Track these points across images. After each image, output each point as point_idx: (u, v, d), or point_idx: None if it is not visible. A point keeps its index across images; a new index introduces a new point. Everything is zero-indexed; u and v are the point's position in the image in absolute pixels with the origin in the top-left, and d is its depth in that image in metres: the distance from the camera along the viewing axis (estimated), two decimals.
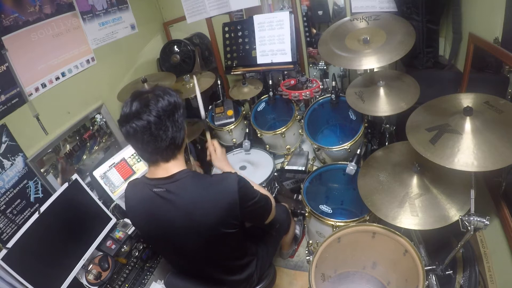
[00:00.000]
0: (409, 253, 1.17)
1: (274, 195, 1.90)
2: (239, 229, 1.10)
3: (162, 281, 1.52)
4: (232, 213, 1.03)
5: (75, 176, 1.50)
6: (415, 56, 1.72)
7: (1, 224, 1.36)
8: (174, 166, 1.04)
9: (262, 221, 1.23)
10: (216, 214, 1.01)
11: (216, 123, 2.08)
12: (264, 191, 1.23)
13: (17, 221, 1.43)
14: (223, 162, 1.36)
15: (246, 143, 1.99)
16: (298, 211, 1.91)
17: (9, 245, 1.21)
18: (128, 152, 1.84)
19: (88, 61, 1.88)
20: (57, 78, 1.70)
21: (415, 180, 1.25)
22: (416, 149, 1.10)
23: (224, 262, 1.23)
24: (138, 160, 1.85)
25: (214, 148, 1.37)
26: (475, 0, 1.45)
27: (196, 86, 1.39)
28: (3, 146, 1.41)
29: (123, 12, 2.12)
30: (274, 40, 1.99)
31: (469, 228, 1.06)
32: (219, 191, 1.02)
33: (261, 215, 1.20)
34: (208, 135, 1.42)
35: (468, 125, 1.05)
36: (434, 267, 1.22)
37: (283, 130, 1.88)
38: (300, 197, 1.70)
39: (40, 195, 1.55)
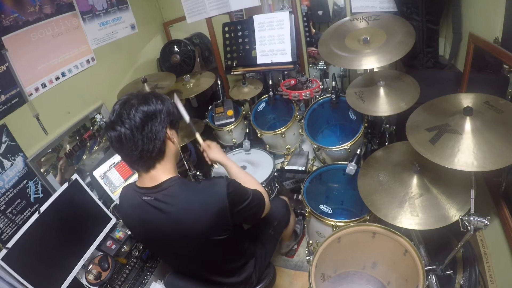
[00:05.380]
0: (409, 253, 1.17)
1: (274, 195, 1.90)
2: (231, 233, 1.09)
3: (162, 281, 1.52)
4: (222, 219, 1.02)
5: (75, 176, 1.51)
6: (415, 56, 1.72)
7: (1, 224, 1.36)
8: (160, 174, 1.02)
9: (256, 219, 1.22)
10: (205, 221, 1.00)
11: (216, 123, 2.08)
12: (255, 184, 1.22)
13: (17, 221, 1.43)
14: (219, 153, 1.34)
15: (246, 143, 1.99)
16: (298, 211, 1.91)
17: (9, 245, 1.21)
18: None
19: (88, 61, 1.88)
20: (57, 78, 1.70)
21: (415, 180, 1.25)
22: (416, 149, 1.10)
23: (220, 266, 1.22)
24: None
25: (207, 144, 1.36)
26: (475, 0, 1.45)
27: (178, 101, 1.34)
28: (3, 146, 1.41)
29: (123, 12, 2.12)
30: (274, 40, 1.99)
31: (469, 228, 1.06)
32: (207, 198, 1.01)
33: (255, 214, 1.18)
34: (198, 136, 1.39)
35: (468, 125, 1.05)
36: (434, 267, 1.21)
37: (283, 130, 1.88)
38: (300, 197, 1.69)
39: (40, 195, 1.55)
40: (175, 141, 1.06)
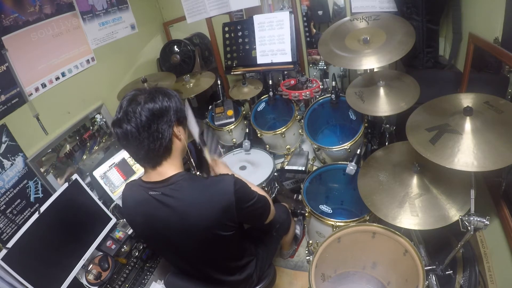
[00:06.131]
0: (409, 253, 1.17)
1: (274, 195, 1.90)
2: (236, 231, 1.09)
3: (162, 281, 1.52)
4: (228, 215, 1.02)
5: (75, 176, 1.51)
6: (415, 56, 1.72)
7: (1, 224, 1.36)
8: (167, 170, 1.03)
9: (260, 222, 1.22)
10: (211, 216, 1.01)
11: (216, 123, 2.08)
12: (262, 192, 1.22)
13: (17, 221, 1.43)
14: (224, 169, 1.32)
15: (246, 143, 1.99)
16: (298, 211, 1.91)
17: (9, 245, 1.21)
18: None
19: (88, 61, 1.88)
20: (57, 78, 1.70)
21: (415, 180, 1.25)
22: (416, 149, 1.10)
23: (222, 263, 1.22)
24: None
25: (214, 162, 1.34)
26: (475, 0, 1.45)
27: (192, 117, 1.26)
28: (3, 146, 1.41)
29: (123, 12, 2.12)
30: (274, 40, 1.99)
31: (469, 228, 1.06)
32: (214, 193, 1.01)
33: (260, 216, 1.19)
34: (206, 153, 1.36)
35: (468, 125, 1.05)
36: (434, 267, 1.21)
37: (283, 130, 1.88)
38: (300, 197, 1.70)
39: (40, 195, 1.55)
40: (181, 138, 1.06)
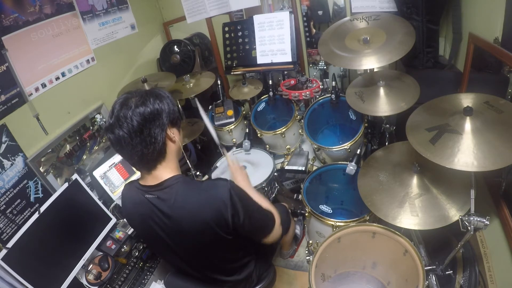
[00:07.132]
0: (409, 253, 1.17)
1: (274, 195, 1.90)
2: (233, 237, 1.07)
3: (162, 281, 1.52)
4: (222, 220, 1.00)
5: (75, 176, 1.51)
6: (415, 56, 1.72)
7: (1, 224, 1.36)
8: (163, 173, 1.02)
9: (259, 236, 1.17)
10: (206, 220, 0.99)
11: (216, 123, 2.08)
12: (267, 205, 1.17)
13: (17, 221, 1.43)
14: (243, 181, 1.29)
15: (246, 143, 1.99)
16: (298, 211, 1.91)
17: (9, 245, 1.21)
18: None
19: (88, 61, 1.88)
20: (57, 78, 1.70)
21: (415, 180, 1.25)
22: (416, 149, 1.09)
23: (221, 264, 1.22)
24: None
25: (236, 167, 1.32)
26: (475, 0, 1.45)
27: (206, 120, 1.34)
28: (3, 146, 1.41)
29: (123, 12, 2.12)
30: (274, 40, 1.99)
31: (469, 228, 1.06)
32: (208, 198, 1.00)
33: (259, 228, 1.14)
34: (226, 155, 1.38)
35: (468, 125, 1.05)
36: (434, 267, 1.21)
37: (283, 130, 1.88)
38: (300, 197, 1.70)
39: (40, 195, 1.55)
40: (176, 140, 1.04)
